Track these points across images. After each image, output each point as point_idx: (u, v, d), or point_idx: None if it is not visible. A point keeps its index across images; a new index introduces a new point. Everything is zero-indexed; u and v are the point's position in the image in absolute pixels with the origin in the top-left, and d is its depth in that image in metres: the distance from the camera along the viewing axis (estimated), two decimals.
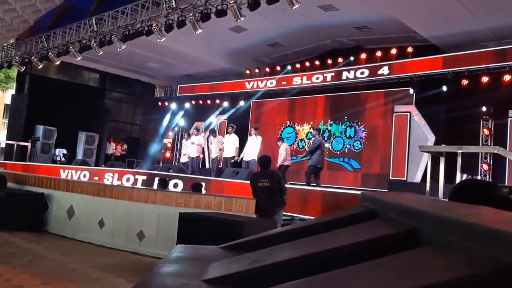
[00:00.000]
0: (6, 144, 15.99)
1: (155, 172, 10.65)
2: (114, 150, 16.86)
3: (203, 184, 7.17)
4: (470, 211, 0.79)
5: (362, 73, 12.71)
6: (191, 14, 9.25)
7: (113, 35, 10.96)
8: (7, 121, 19.48)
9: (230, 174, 8.84)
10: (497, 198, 1.33)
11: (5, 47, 15.03)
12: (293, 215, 7.22)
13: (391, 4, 10.22)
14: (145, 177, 10.31)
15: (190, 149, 12.40)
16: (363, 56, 12.75)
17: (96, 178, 11.15)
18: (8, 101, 22.28)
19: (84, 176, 11.57)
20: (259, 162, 6.57)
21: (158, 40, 10.28)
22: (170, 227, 6.13)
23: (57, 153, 15.33)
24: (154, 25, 9.94)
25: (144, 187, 8.09)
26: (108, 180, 10.81)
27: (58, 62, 13.36)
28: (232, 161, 11.46)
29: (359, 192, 6.63)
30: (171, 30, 9.87)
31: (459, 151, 5.59)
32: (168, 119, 17.59)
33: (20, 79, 16.74)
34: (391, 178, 11.74)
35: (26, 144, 14.75)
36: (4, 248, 6.31)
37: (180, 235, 5.50)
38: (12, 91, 19.99)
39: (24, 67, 14.52)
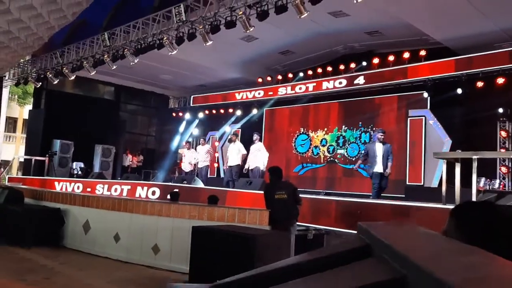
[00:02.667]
0: (25, 159, 16.24)
1: (169, 184, 10.79)
2: (130, 162, 17.00)
3: (219, 198, 7.15)
4: (468, 260, 0.75)
5: (375, 78, 12.59)
6: (201, 26, 9.31)
7: (126, 49, 11.09)
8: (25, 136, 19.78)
9: (244, 185, 8.82)
10: (501, 219, 1.29)
11: (21, 64, 15.32)
12: (307, 225, 7.16)
13: (402, 8, 10.12)
14: (157, 189, 10.48)
15: (199, 160, 12.49)
16: (376, 60, 12.63)
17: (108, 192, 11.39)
18: (27, 117, 22.63)
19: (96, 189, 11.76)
20: (271, 173, 6.53)
21: (169, 53, 10.36)
22: (184, 240, 6.12)
23: (74, 167, 15.52)
24: (165, 38, 10.04)
25: (157, 201, 8.11)
26: (117, 191, 11.07)
27: (72, 77, 13.56)
28: (244, 169, 11.43)
29: (372, 201, 6.55)
30: (182, 42, 9.93)
31: (475, 157, 5.49)
32: (182, 130, 17.69)
33: (37, 94, 17.05)
34: (407, 183, 11.58)
35: (43, 158, 14.96)
36: (21, 265, 6.39)
37: (194, 249, 5.50)
38: (30, 107, 20.35)
39: (40, 83, 14.79)
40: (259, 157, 11.35)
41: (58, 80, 13.93)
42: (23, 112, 26.64)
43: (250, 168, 11.36)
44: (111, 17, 13.68)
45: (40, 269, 6.19)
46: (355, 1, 7.51)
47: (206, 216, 6.59)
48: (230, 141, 12.16)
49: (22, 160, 18.09)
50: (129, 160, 16.85)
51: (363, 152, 9.13)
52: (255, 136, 11.75)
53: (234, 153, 11.59)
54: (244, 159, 11.72)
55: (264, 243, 5.14)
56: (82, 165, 15.58)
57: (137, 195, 10.67)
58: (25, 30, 11.02)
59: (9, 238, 8.09)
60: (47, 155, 14.81)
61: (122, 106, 18.39)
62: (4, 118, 17.25)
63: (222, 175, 15.31)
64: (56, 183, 12.83)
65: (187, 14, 9.49)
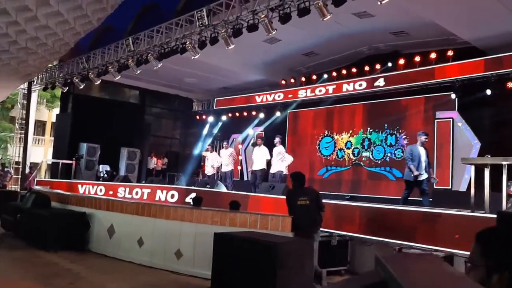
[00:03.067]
0: (52, 162, 16.59)
1: (188, 187, 10.89)
2: (155, 165, 17.16)
3: (240, 204, 7.11)
4: None
5: (401, 79, 12.34)
6: (223, 30, 9.30)
7: (149, 54, 11.18)
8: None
9: (266, 189, 8.75)
10: None
11: (49, 69, 15.64)
12: (331, 231, 7.04)
13: (428, 8, 9.87)
14: (175, 193, 10.61)
15: (222, 163, 12.48)
16: (402, 61, 12.37)
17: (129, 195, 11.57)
18: (55, 120, 23.11)
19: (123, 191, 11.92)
20: (293, 179, 6.45)
21: (192, 58, 10.39)
22: (207, 246, 6.08)
23: (100, 170, 15.76)
24: (187, 42, 10.07)
25: (180, 206, 8.13)
26: (138, 194, 11.25)
27: (98, 82, 13.77)
28: (262, 174, 11.37)
29: (398, 207, 6.37)
30: (204, 47, 9.94)
31: (505, 163, 5.28)
32: (206, 132, 17.75)
33: (64, 99, 17.40)
34: (435, 187, 11.27)
35: (70, 162, 15.24)
36: (47, 269, 6.48)
37: (216, 255, 5.47)
38: (58, 110, 20.76)
39: (67, 88, 15.06)
40: (281, 161, 11.22)
41: (84, 84, 14.16)
42: (52, 115, 27.25)
43: (272, 172, 11.24)
44: (135, 22, 13.82)
45: (66, 274, 6.26)
46: (379, 3, 7.35)
47: (228, 222, 6.55)
48: (255, 144, 12.08)
49: (50, 163, 18.46)
50: (154, 163, 17.01)
51: (408, 155, 8.70)
52: (277, 139, 11.61)
53: (259, 157, 11.52)
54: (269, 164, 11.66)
55: (286, 251, 5.07)
56: (108, 168, 15.82)
57: (156, 198, 10.87)
58: (52, 36, 11.24)
59: (36, 242, 8.25)
60: (74, 158, 15.08)
61: (147, 109, 18.60)
62: (33, 122, 17.59)
63: (245, 177, 15.31)
64: (79, 186, 13.14)
65: (209, 18, 9.48)
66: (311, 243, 6.03)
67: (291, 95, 15.02)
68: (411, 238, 6.10)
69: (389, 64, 12.76)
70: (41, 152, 27.24)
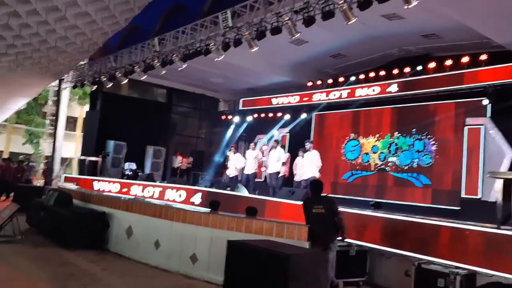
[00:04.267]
0: (80, 159, 16.93)
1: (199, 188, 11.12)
2: (180, 163, 17.25)
3: (257, 210, 7.02)
4: None
5: (430, 83, 11.97)
6: (247, 33, 9.21)
7: (174, 55, 11.21)
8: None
9: (286, 194, 8.62)
10: None
11: (79, 67, 15.95)
12: (350, 241, 6.85)
13: (460, 11, 9.49)
14: (183, 192, 11.01)
15: (247, 165, 12.41)
16: (432, 65, 11.98)
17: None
18: None
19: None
20: (310, 187, 6.31)
21: (215, 59, 10.35)
22: (222, 251, 5.99)
23: (126, 167, 15.95)
24: (212, 44, 10.03)
25: (197, 209, 8.11)
26: (149, 193, 11.75)
27: (125, 81, 13.91)
28: (279, 176, 11.20)
29: (421, 221, 6.13)
30: (228, 48, 9.88)
31: None
32: (231, 133, 17.73)
33: (93, 96, 17.70)
34: (463, 196, 10.90)
35: (97, 159, 15.50)
36: (64, 269, 6.57)
37: (228, 263, 5.40)
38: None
39: (96, 86, 15.31)
40: (313, 166, 11.01)
41: (111, 83, 14.35)
42: (83, 111, 27.85)
43: (305, 179, 10.91)
44: (162, 22, 13.91)
45: (81, 275, 6.32)
46: (405, 7, 7.10)
47: (244, 229, 6.47)
48: (272, 147, 11.97)
49: (77, 159, 18.85)
50: (179, 161, 17.10)
51: None
52: (309, 144, 11.34)
53: (274, 160, 11.40)
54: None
55: (299, 263, 4.94)
56: (134, 166, 15.99)
57: (166, 197, 11.20)
58: (81, 35, 11.45)
59: (58, 240, 8.41)
60: (100, 156, 15.32)
61: (173, 108, 18.74)
62: (64, 117, 17.99)
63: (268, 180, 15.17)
64: (94, 182, 13.52)
65: (233, 20, 9.41)
66: (327, 253, 5.89)
67: (317, 97, 14.80)
68: (432, 252, 5.86)
69: (419, 68, 12.38)
70: (72, 147, 27.88)
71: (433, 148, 12.28)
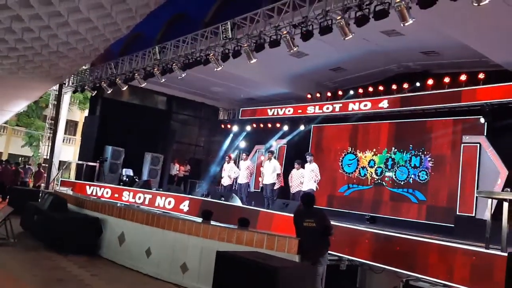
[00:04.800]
0: (78, 164, 16.97)
1: (188, 196, 11.25)
2: (177, 171, 17.28)
3: (249, 221, 7.04)
4: None
5: (428, 100, 12.04)
6: (246, 44, 9.29)
7: (174, 64, 11.30)
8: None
9: (280, 206, 8.63)
10: None
11: (80, 72, 16.04)
12: (340, 255, 6.85)
13: (459, 30, 9.57)
14: (172, 199, 11.15)
15: (240, 175, 12.44)
16: (430, 81, 12.06)
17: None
18: None
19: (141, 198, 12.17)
20: (302, 200, 6.33)
21: (215, 69, 10.43)
22: (212, 262, 6.00)
23: (123, 173, 15.97)
24: (211, 54, 10.11)
25: (189, 218, 8.12)
26: (140, 199, 11.93)
27: (124, 88, 13.99)
28: (275, 187, 11.24)
29: (410, 237, 6.13)
30: (227, 59, 9.97)
31: None
32: (229, 142, 17.79)
33: (93, 101, 17.77)
34: (457, 213, 10.91)
35: (95, 164, 15.52)
36: (53, 273, 6.57)
37: (217, 274, 5.41)
38: None
39: (96, 91, 15.40)
40: (312, 179, 11.03)
41: (111, 90, 14.43)
42: (83, 116, 27.98)
43: (303, 191, 10.79)
44: (164, 30, 14.01)
45: (71, 280, 6.32)
46: (402, 25, 7.17)
47: (235, 240, 6.47)
48: (266, 158, 12.01)
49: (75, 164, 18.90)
50: (176, 169, 17.14)
51: None
52: (309, 157, 11.36)
53: (269, 171, 11.42)
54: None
55: (287, 277, 4.95)
56: (130, 172, 16.01)
57: (156, 204, 11.36)
58: (82, 41, 11.53)
59: (50, 244, 8.40)
60: (98, 161, 15.34)
61: (173, 115, 18.77)
62: (64, 121, 18.05)
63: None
64: (87, 187, 13.64)
65: (233, 32, 9.50)
66: (316, 267, 5.89)
67: (316, 110, 14.89)
68: (422, 270, 5.86)
69: (418, 84, 12.46)
70: (71, 151, 27.97)
71: (430, 164, 12.33)
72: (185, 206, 10.58)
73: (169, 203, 11.04)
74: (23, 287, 5.71)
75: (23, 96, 17.13)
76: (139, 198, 11.93)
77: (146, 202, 11.62)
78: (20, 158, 27.91)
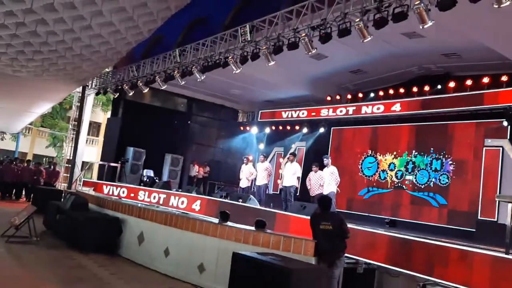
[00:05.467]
0: (100, 164, 17.28)
1: (201, 196, 11.39)
2: (196, 173, 17.42)
3: (266, 223, 7.07)
4: None
5: (450, 102, 11.87)
6: (264, 47, 9.34)
7: (194, 66, 11.42)
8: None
9: (297, 209, 8.63)
10: None
11: (103, 75, 16.35)
12: (357, 258, 6.82)
13: (480, 31, 9.42)
14: (185, 199, 11.36)
15: (258, 176, 12.46)
16: (452, 84, 11.88)
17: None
18: None
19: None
20: (318, 203, 6.33)
21: (233, 72, 10.50)
22: (229, 262, 6.06)
23: (144, 174, 16.20)
24: (230, 57, 10.19)
25: (206, 218, 8.19)
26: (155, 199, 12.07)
27: (146, 90, 14.21)
28: (293, 190, 11.24)
29: (429, 241, 6.06)
30: (246, 62, 10.02)
31: None
32: (248, 144, 17.86)
33: (115, 103, 18.08)
34: (479, 217, 10.72)
35: (116, 164, 15.78)
36: (74, 272, 6.72)
37: (232, 275, 5.44)
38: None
39: (118, 94, 15.66)
40: (333, 181, 11.02)
41: (133, 92, 14.65)
42: (106, 118, 28.48)
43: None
44: (185, 34, 14.18)
45: (90, 279, 6.45)
46: (421, 27, 7.11)
47: (251, 241, 6.51)
48: (288, 160, 11.98)
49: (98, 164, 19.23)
50: (196, 170, 17.27)
51: None
52: (326, 160, 11.35)
53: (290, 174, 11.40)
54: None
55: (302, 278, 4.96)
56: (151, 173, 16.23)
57: (170, 203, 11.58)
58: (105, 44, 11.76)
59: (72, 243, 8.59)
60: (119, 162, 15.59)
61: (193, 117, 18.94)
62: (87, 123, 18.43)
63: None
64: (104, 186, 13.96)
65: (252, 34, 9.55)
66: (332, 270, 5.89)
67: (335, 112, 14.80)
68: (440, 274, 5.78)
69: (439, 86, 12.30)
70: (94, 152, 28.46)
71: (451, 168, 12.15)
72: (197, 205, 10.81)
73: (182, 202, 11.26)
74: (44, 285, 5.85)
75: (47, 98, 17.56)
76: (154, 197, 12.16)
77: (161, 202, 11.84)
78: (44, 159, 28.57)
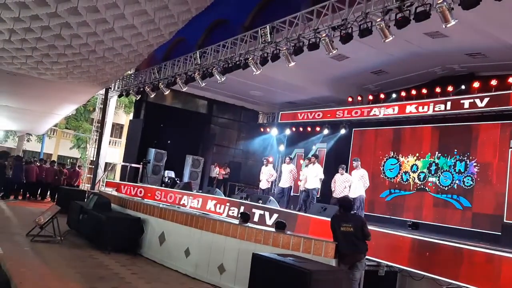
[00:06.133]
0: (122, 165, 17.52)
1: (214, 196, 11.48)
2: (217, 174, 17.48)
3: (286, 224, 7.06)
4: None
5: (474, 102, 11.62)
6: (284, 48, 9.31)
7: (214, 68, 11.47)
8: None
9: (318, 210, 8.57)
10: None
11: (125, 77, 16.57)
12: (379, 260, 6.73)
13: (505, 30, 9.23)
14: (200, 199, 11.58)
15: (282, 178, 12.41)
16: (476, 84, 11.64)
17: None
18: None
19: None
20: (339, 205, 6.27)
21: (253, 73, 10.50)
22: (249, 263, 6.06)
23: (165, 175, 16.35)
24: (250, 58, 10.20)
25: (227, 219, 8.20)
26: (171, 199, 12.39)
27: (167, 92, 14.36)
28: (315, 192, 11.16)
29: (453, 244, 5.93)
30: (266, 63, 10.01)
31: None
32: (269, 145, 17.85)
33: (138, 105, 18.32)
34: (505, 221, 10.47)
35: (138, 166, 15.97)
36: (96, 271, 6.81)
37: (252, 276, 5.44)
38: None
39: (140, 96, 15.86)
40: (363, 185, 10.92)
41: (155, 94, 14.80)
42: (129, 119, 28.87)
43: (353, 197, 10.73)
44: (205, 35, 14.26)
45: (112, 278, 6.53)
46: (443, 26, 6.98)
47: (271, 242, 6.50)
48: (309, 162, 11.89)
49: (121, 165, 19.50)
50: (216, 172, 17.34)
51: None
52: (356, 162, 11.25)
53: (313, 176, 11.33)
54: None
55: (322, 280, 4.92)
56: (172, 174, 16.37)
57: (182, 201, 11.88)
58: (127, 47, 11.93)
59: (94, 242, 8.73)
60: (141, 163, 15.77)
61: (213, 119, 19.06)
62: (110, 124, 18.74)
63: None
64: (122, 186, 14.21)
65: (272, 35, 9.54)
66: (352, 272, 5.83)
67: (357, 113, 14.66)
68: (464, 277, 5.67)
69: (463, 87, 12.07)
70: (117, 153, 28.86)
71: (475, 169, 11.90)
72: (211, 205, 10.99)
73: (198, 202, 11.48)
74: (66, 284, 5.95)
75: (71, 100, 17.90)
76: (170, 197, 12.37)
77: (177, 201, 12.09)
78: (68, 160, 29.12)
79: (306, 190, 11.51)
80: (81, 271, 6.67)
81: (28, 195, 16.64)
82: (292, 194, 15.12)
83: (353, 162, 11.28)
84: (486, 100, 11.30)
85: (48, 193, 17.18)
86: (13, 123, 22.41)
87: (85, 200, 12.00)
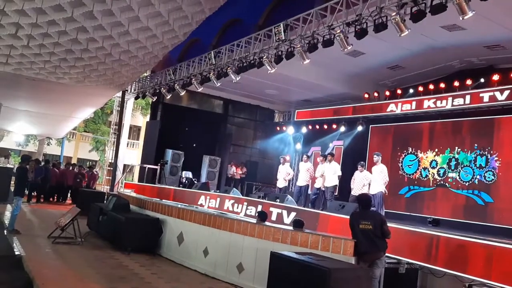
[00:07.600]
0: (140, 166, 17.69)
1: (230, 195, 11.43)
2: (234, 173, 17.52)
3: (304, 222, 7.02)
4: None
5: (494, 96, 11.39)
6: (299, 45, 9.27)
7: (229, 68, 11.49)
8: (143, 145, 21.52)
9: (336, 208, 8.50)
10: None
11: (141, 79, 16.72)
12: (400, 258, 6.64)
13: None
14: (217, 199, 11.54)
15: (299, 177, 12.34)
16: (496, 77, 11.41)
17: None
18: None
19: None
20: (358, 202, 6.21)
21: (268, 71, 10.48)
22: (267, 262, 6.04)
23: (183, 176, 16.44)
24: (264, 57, 10.18)
25: (244, 219, 8.20)
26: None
27: (183, 93, 14.43)
28: (333, 190, 11.06)
29: (475, 240, 5.81)
30: (281, 61, 9.98)
31: None
32: (285, 144, 17.81)
33: (154, 107, 18.47)
34: None
35: (156, 167, 16.09)
36: (116, 271, 6.88)
37: (271, 274, 5.42)
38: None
39: (156, 97, 15.98)
40: (382, 180, 10.81)
41: (171, 95, 14.90)
42: (146, 121, 29.16)
43: (372, 193, 10.49)
44: (220, 35, 14.30)
45: (132, 278, 6.59)
46: (461, 18, 6.85)
47: (290, 241, 6.47)
48: (326, 160, 11.79)
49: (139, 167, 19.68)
50: (233, 171, 17.37)
51: None
52: (377, 157, 11.12)
53: (331, 174, 11.24)
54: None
55: (341, 278, 4.87)
56: (190, 174, 16.45)
57: (199, 202, 11.89)
58: (142, 49, 12.02)
59: (114, 243, 8.83)
60: (159, 164, 15.89)
61: (229, 119, 19.10)
62: (127, 127, 18.92)
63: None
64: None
65: (286, 33, 9.50)
66: (372, 270, 5.76)
67: (373, 109, 14.54)
68: (486, 274, 5.55)
69: (482, 80, 11.84)
70: (135, 155, 29.16)
71: (497, 164, 11.67)
72: (228, 204, 10.98)
73: (215, 202, 11.52)
74: (87, 284, 6.02)
75: (89, 103, 18.13)
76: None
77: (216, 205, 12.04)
78: (88, 162, 29.53)
79: (325, 188, 11.40)
80: (101, 271, 6.74)
81: (51, 198, 16.92)
82: (309, 192, 15.10)
83: (374, 156, 11.12)
84: (506, 93, 11.07)
85: (69, 195, 17.44)
86: (33, 128, 22.82)
87: (105, 201, 12.14)
